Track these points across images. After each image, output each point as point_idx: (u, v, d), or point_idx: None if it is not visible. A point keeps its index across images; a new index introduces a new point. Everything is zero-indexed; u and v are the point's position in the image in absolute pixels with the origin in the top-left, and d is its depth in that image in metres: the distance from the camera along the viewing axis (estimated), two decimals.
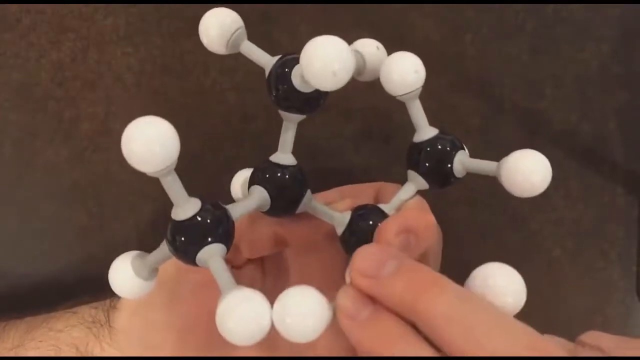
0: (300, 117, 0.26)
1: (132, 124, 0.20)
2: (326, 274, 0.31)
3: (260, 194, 0.26)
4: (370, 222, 0.26)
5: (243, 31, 0.26)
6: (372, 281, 0.21)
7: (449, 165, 0.26)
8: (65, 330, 0.29)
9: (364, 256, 0.22)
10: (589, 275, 0.40)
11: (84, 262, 0.36)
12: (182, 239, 0.23)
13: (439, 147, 0.26)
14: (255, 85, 0.35)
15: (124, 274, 0.24)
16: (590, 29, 0.37)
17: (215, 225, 0.23)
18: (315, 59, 0.21)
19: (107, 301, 0.30)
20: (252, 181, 0.27)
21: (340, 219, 0.27)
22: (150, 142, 0.20)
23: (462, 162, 0.26)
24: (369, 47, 0.26)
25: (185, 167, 0.36)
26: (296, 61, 0.24)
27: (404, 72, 0.25)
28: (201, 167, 0.36)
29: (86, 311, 0.30)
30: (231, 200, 0.29)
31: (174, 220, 0.23)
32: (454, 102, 0.37)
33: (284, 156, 0.27)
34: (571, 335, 0.40)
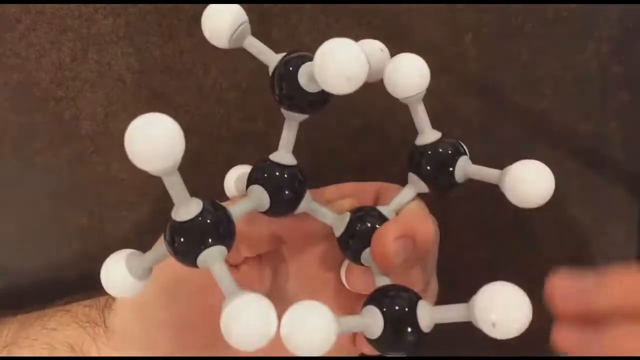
0: (303, 117, 0.26)
1: (135, 121, 0.19)
2: (323, 270, 0.31)
3: (259, 194, 0.26)
4: (369, 225, 0.26)
5: (247, 26, 0.25)
6: (579, 297, 0.20)
7: (451, 170, 0.26)
8: (59, 329, 0.29)
9: (556, 287, 0.21)
10: None
11: (83, 262, 0.36)
12: (183, 240, 0.22)
13: (441, 150, 0.26)
14: (255, 86, 0.35)
15: (118, 272, 0.24)
16: (590, 29, 0.37)
17: (216, 226, 0.22)
18: (330, 62, 0.21)
19: (101, 300, 0.30)
20: (251, 180, 0.26)
21: (339, 221, 0.27)
22: (153, 140, 0.19)
23: (464, 167, 0.26)
24: (373, 48, 0.26)
25: (186, 167, 0.36)
26: (302, 59, 0.24)
27: (408, 74, 0.25)
28: (201, 167, 0.36)
29: (79, 310, 0.30)
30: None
31: (175, 221, 0.22)
32: (454, 102, 0.37)
33: (284, 155, 0.26)
34: None
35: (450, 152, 0.26)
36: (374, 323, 0.22)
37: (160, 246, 0.23)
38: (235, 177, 0.29)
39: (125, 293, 0.24)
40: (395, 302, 0.23)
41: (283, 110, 0.25)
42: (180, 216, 0.22)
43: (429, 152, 0.26)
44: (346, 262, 0.29)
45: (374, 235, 0.25)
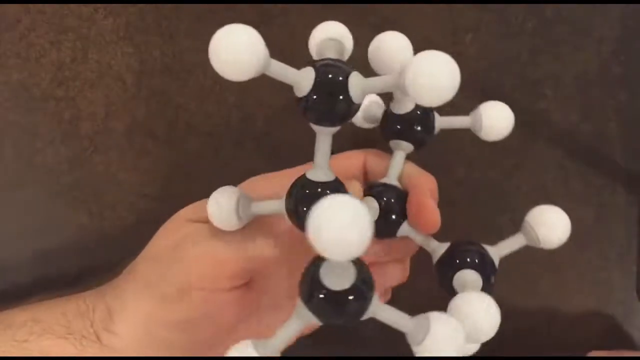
0: (335, 129, 0.24)
1: (323, 210, 0.17)
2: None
3: None
4: (387, 200, 0.28)
5: (266, 49, 0.22)
6: None
7: (431, 127, 0.29)
8: (30, 340, 0.28)
9: None
10: (589, 275, 0.40)
11: (83, 262, 0.37)
12: (345, 309, 0.21)
13: (420, 113, 0.29)
14: (255, 85, 0.35)
15: None
16: (590, 29, 0.37)
17: (371, 284, 0.22)
18: (424, 76, 0.21)
19: (80, 307, 0.29)
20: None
21: (374, 210, 0.28)
22: (346, 239, 0.17)
23: (439, 121, 0.29)
24: (342, 31, 0.27)
25: (186, 167, 0.36)
26: (343, 71, 0.23)
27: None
28: (201, 167, 0.36)
29: (53, 321, 0.28)
30: None
31: (331, 290, 0.21)
32: (454, 102, 0.37)
33: (323, 172, 0.25)
34: (572, 335, 0.40)
35: (420, 112, 0.29)
36: (479, 283, 0.25)
37: (292, 322, 0.22)
38: (234, 202, 0.26)
39: None
40: (476, 257, 0.26)
41: (314, 126, 0.24)
42: (337, 285, 0.21)
43: (413, 118, 0.29)
44: None
45: (412, 206, 0.27)
